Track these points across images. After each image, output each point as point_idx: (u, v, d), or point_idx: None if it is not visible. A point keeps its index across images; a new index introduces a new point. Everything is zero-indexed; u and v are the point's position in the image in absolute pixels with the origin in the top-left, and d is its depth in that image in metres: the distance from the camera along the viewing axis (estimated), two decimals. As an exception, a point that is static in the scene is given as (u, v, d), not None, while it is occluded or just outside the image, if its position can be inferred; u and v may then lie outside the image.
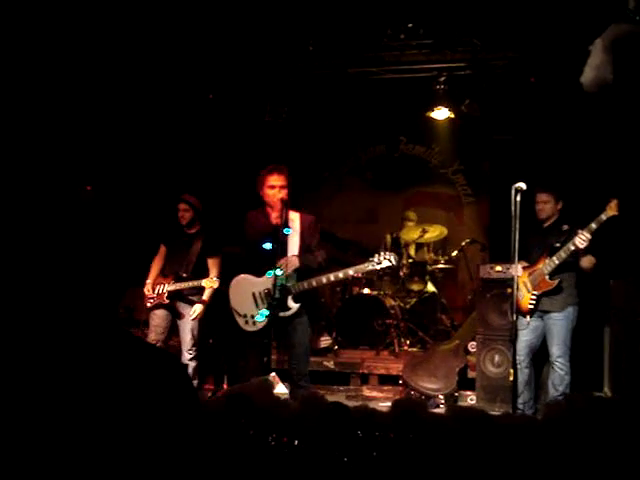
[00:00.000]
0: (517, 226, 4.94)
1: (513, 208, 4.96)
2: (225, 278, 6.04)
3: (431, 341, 7.95)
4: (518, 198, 4.97)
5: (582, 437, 2.88)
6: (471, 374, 7.03)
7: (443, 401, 6.71)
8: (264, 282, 5.21)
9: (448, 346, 7.18)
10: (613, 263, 5.62)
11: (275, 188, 5.32)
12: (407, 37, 7.73)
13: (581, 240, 5.32)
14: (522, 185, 5.01)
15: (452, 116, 8.73)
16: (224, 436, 2.88)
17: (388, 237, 9.14)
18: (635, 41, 4.35)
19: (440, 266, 8.75)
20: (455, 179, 10.08)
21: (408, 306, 8.44)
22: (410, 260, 8.56)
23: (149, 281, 6.51)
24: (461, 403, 6.85)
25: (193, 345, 6.33)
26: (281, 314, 5.21)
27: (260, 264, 5.22)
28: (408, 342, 8.23)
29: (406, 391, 7.06)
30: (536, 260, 5.81)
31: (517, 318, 5.56)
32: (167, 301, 6.38)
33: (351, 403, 5.17)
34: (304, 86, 8.86)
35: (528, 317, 5.76)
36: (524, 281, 5.82)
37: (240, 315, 5.37)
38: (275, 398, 3.21)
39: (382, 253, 5.14)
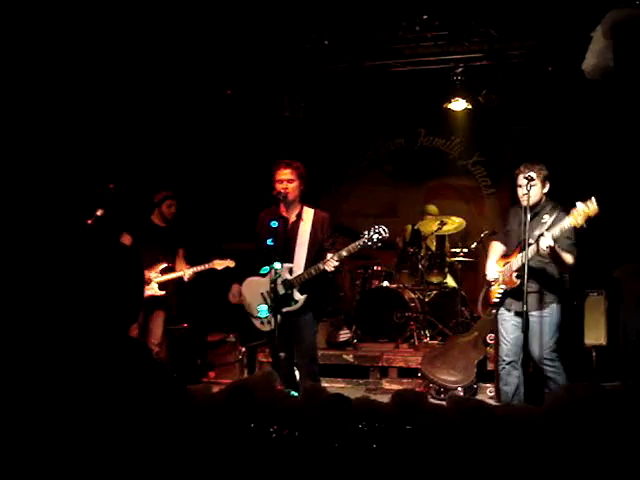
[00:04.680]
0: (529, 217, 4.86)
1: (524, 197, 4.93)
2: (240, 275, 6.05)
3: (451, 334, 7.92)
4: (529, 188, 4.92)
5: (584, 428, 2.86)
6: (490, 366, 7.00)
7: (462, 393, 6.69)
8: (269, 280, 5.22)
9: (467, 338, 7.15)
10: (612, 254, 5.48)
11: (283, 182, 5.34)
12: (422, 29, 7.70)
13: (543, 247, 4.76)
14: (532, 175, 4.95)
15: (470, 107, 8.70)
16: (225, 429, 2.91)
17: (409, 228, 9.14)
18: (635, 25, 4.29)
19: (459, 258, 8.71)
20: (475, 170, 10.05)
21: (428, 299, 8.43)
22: (429, 252, 8.54)
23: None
24: (480, 396, 6.83)
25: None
26: (289, 308, 5.21)
27: (268, 263, 5.23)
28: (428, 335, 8.23)
29: (425, 383, 7.06)
30: (512, 251, 5.30)
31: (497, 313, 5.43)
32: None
33: (371, 396, 5.18)
34: (321, 80, 8.88)
35: (492, 311, 5.41)
36: (501, 271, 5.38)
37: (254, 317, 5.40)
38: (277, 391, 3.24)
39: (372, 227, 5.05)
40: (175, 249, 6.80)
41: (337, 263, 5.14)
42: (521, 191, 5.12)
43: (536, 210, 5.12)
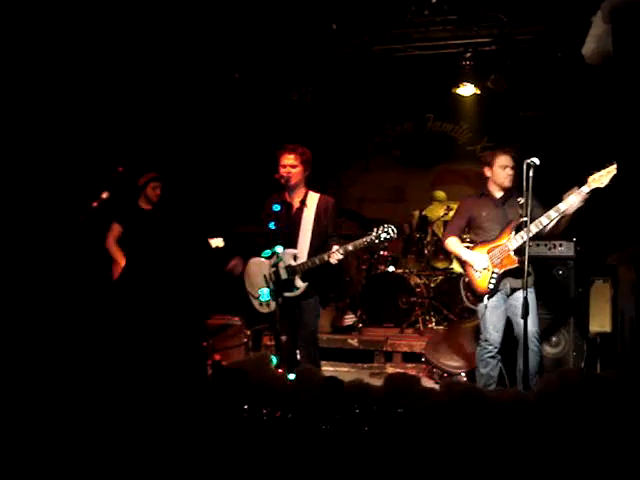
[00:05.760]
0: (530, 202, 4.85)
1: (525, 184, 4.90)
2: (247, 258, 6.04)
3: (456, 319, 7.92)
4: (531, 173, 4.88)
5: (575, 413, 2.87)
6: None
7: (465, 379, 6.69)
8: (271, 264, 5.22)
9: (471, 324, 7.12)
10: (616, 241, 5.45)
11: (286, 167, 5.32)
12: (431, 13, 7.68)
13: (560, 211, 5.00)
14: (535, 160, 4.90)
15: (478, 92, 8.67)
16: (218, 410, 2.95)
17: (416, 214, 9.15)
18: (634, 10, 4.26)
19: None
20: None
21: (433, 284, 8.44)
22: (435, 238, 8.53)
23: None
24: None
25: None
26: (289, 294, 5.21)
27: (271, 246, 5.23)
28: (433, 320, 8.23)
29: (428, 368, 7.07)
30: (496, 236, 5.37)
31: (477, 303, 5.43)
32: None
33: (375, 380, 5.18)
34: (329, 65, 8.86)
35: (486, 299, 5.33)
36: (487, 258, 5.39)
37: (255, 298, 5.41)
38: (271, 373, 3.26)
39: (381, 226, 5.03)
40: None
41: (341, 257, 5.11)
42: (505, 173, 5.41)
43: (510, 192, 5.44)
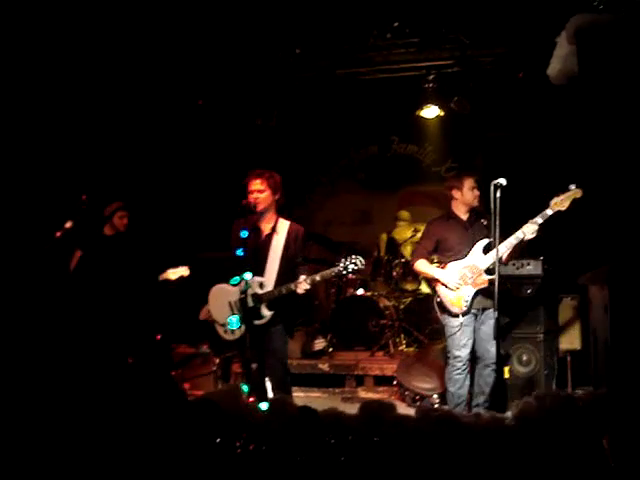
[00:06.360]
0: (497, 223, 4.88)
1: (492, 205, 4.91)
2: (208, 284, 5.95)
3: (426, 340, 7.91)
4: (498, 194, 4.91)
5: (553, 436, 2.85)
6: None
7: (437, 401, 6.66)
8: (238, 290, 5.14)
9: (442, 345, 7.12)
10: (585, 259, 5.49)
11: (253, 193, 5.27)
12: (394, 36, 7.73)
13: (529, 232, 5.18)
14: (502, 181, 4.95)
15: (442, 114, 8.72)
16: (189, 444, 2.87)
17: (384, 236, 9.15)
18: (598, 30, 4.32)
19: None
20: (448, 177, 10.06)
21: (402, 306, 8.42)
22: (403, 260, 8.52)
23: None
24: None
25: None
26: (255, 322, 5.13)
27: (239, 272, 5.14)
28: (403, 342, 8.20)
29: (401, 391, 7.03)
30: (465, 256, 5.48)
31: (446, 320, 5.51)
32: None
33: (347, 405, 5.10)
34: (293, 89, 8.86)
35: (461, 317, 5.41)
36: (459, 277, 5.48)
37: (220, 324, 5.33)
38: (243, 405, 3.18)
39: (349, 257, 5.00)
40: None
41: (309, 287, 5.05)
42: (474, 194, 5.63)
43: (475, 213, 5.68)
